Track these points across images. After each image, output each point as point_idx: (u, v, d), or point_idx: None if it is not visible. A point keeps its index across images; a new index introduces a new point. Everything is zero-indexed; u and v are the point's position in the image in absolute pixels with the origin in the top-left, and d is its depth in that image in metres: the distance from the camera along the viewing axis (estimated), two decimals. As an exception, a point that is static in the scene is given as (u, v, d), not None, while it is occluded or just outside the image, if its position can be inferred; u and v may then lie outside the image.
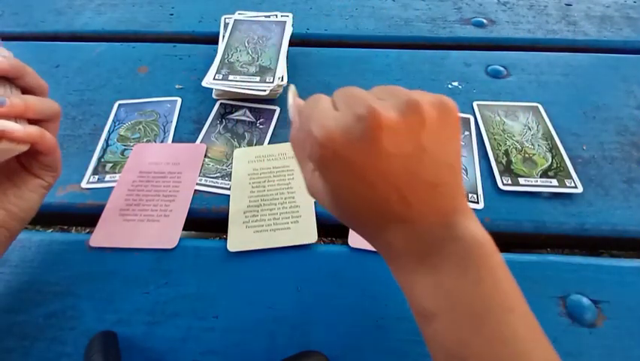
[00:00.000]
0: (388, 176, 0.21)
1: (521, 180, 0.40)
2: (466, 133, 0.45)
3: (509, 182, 0.40)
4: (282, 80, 0.47)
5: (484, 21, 0.60)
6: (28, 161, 0.30)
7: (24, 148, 0.29)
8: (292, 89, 0.28)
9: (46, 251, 0.36)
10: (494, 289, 0.21)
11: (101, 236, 0.37)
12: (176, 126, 0.46)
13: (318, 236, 0.36)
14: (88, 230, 0.46)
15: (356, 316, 0.32)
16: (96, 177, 0.41)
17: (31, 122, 0.29)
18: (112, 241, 0.37)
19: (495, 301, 0.21)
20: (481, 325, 0.20)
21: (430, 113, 0.21)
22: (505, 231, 0.37)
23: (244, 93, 0.46)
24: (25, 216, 0.30)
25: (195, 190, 0.40)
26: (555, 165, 0.41)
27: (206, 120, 0.47)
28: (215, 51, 0.51)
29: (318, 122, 0.22)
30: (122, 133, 0.46)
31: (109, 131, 0.46)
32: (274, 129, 0.46)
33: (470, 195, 0.39)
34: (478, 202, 0.39)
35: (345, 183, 0.22)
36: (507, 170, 0.41)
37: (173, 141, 0.45)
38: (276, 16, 0.56)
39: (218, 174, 0.42)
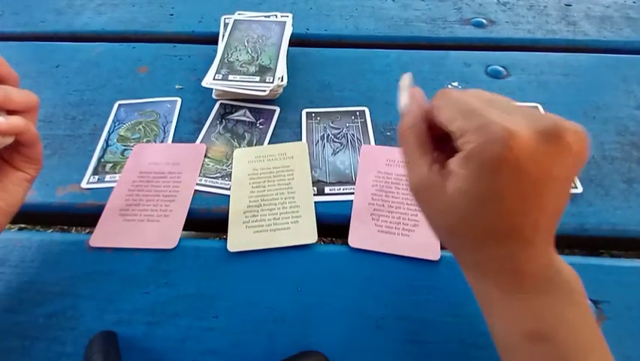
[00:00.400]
0: (541, 195, 0.21)
1: (521, 180, 0.40)
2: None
3: (509, 182, 0.40)
4: (282, 80, 0.47)
5: (484, 21, 0.60)
6: (9, 154, 0.30)
7: (9, 140, 0.28)
8: (409, 75, 0.26)
9: (46, 251, 0.36)
10: (592, 322, 0.23)
11: (101, 236, 0.37)
12: (176, 126, 0.46)
13: (318, 236, 0.36)
14: (88, 230, 0.46)
15: (356, 316, 0.32)
16: (96, 177, 0.41)
17: (10, 113, 0.29)
18: (112, 241, 0.37)
19: (595, 335, 0.22)
20: (590, 354, 0.22)
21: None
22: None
23: (244, 93, 0.46)
24: (10, 210, 0.30)
25: (195, 190, 0.40)
26: (555, 165, 0.41)
27: (206, 120, 0.47)
28: (215, 51, 0.51)
29: (501, 122, 0.20)
30: (122, 133, 0.46)
31: (109, 131, 0.46)
32: (274, 129, 0.46)
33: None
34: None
35: (499, 190, 0.21)
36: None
37: (173, 141, 0.45)
38: (276, 16, 0.56)
39: (218, 174, 0.42)
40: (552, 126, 0.20)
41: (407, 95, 0.26)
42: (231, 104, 0.48)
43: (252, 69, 0.48)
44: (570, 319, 0.22)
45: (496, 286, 0.23)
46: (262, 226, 0.37)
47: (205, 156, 0.43)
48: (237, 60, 0.49)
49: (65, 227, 0.83)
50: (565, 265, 0.23)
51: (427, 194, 0.24)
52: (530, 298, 0.22)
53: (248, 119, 0.47)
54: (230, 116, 0.47)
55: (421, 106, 0.26)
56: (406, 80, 0.27)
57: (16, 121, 0.28)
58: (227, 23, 0.54)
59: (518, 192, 0.21)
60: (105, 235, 0.37)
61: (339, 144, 0.44)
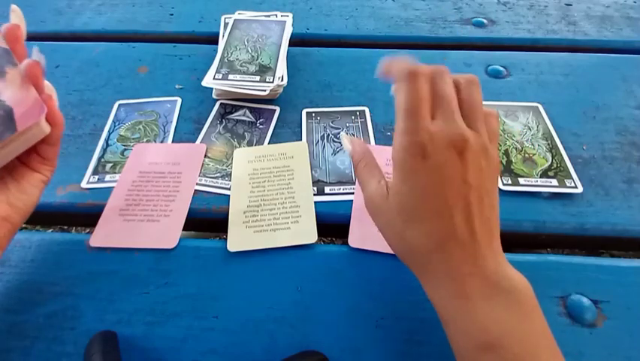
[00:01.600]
0: (462, 200, 0.24)
1: (521, 180, 0.40)
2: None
3: (509, 182, 0.40)
4: (282, 79, 0.47)
5: (484, 21, 0.60)
6: (27, 156, 0.31)
7: (48, 130, 0.29)
8: (343, 133, 0.32)
9: (46, 251, 0.36)
10: (542, 328, 0.23)
11: (101, 236, 0.37)
12: (176, 126, 0.46)
13: (318, 236, 0.36)
14: (88, 230, 0.46)
15: (356, 316, 0.32)
16: (96, 177, 0.41)
17: None
18: (112, 241, 0.37)
19: (544, 341, 0.23)
20: (537, 358, 0.22)
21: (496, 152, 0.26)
22: (505, 231, 0.37)
23: (244, 93, 0.46)
24: (26, 209, 0.31)
25: (195, 190, 0.40)
26: (555, 165, 0.41)
27: (206, 120, 0.47)
28: (216, 51, 0.51)
29: (422, 128, 0.24)
30: (122, 133, 0.46)
31: (109, 131, 0.46)
32: (274, 129, 0.46)
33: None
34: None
35: (425, 185, 0.24)
36: (507, 170, 0.41)
37: (173, 141, 0.45)
38: (276, 15, 0.56)
39: (218, 174, 0.42)
40: (457, 137, 0.24)
41: (348, 143, 0.32)
42: (231, 104, 0.48)
43: (252, 68, 0.48)
44: (516, 326, 0.23)
45: (445, 293, 0.25)
46: (262, 225, 0.37)
47: (205, 155, 0.43)
48: (237, 59, 0.49)
49: (65, 227, 0.83)
50: (514, 271, 0.24)
51: (375, 205, 0.27)
52: (475, 307, 0.23)
53: (248, 119, 0.47)
54: (230, 116, 0.47)
55: (361, 143, 0.31)
56: (343, 136, 0.33)
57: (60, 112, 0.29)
58: (228, 23, 0.54)
59: (438, 194, 0.24)
60: (105, 235, 0.37)
61: (339, 144, 0.44)
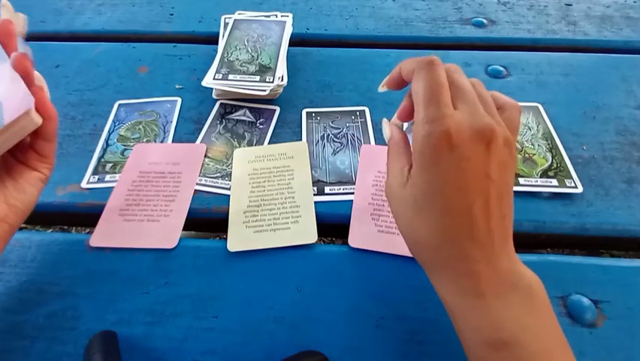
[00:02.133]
0: (486, 184, 0.23)
1: (521, 180, 0.40)
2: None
3: (509, 182, 0.40)
4: (282, 79, 0.47)
5: (484, 21, 0.60)
6: (24, 154, 0.31)
7: (39, 122, 0.29)
8: (384, 120, 0.31)
9: (46, 251, 0.36)
10: (555, 325, 0.23)
11: (101, 236, 0.37)
12: (176, 126, 0.46)
13: (318, 236, 0.36)
14: (88, 230, 0.46)
15: (356, 316, 0.32)
16: (96, 177, 0.41)
17: None
18: (112, 241, 0.37)
19: (558, 339, 0.23)
20: (549, 356, 0.22)
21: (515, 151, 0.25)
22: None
23: (244, 93, 0.46)
24: (25, 210, 0.30)
25: (195, 190, 0.40)
26: (555, 165, 0.41)
27: (206, 120, 0.47)
28: (215, 51, 0.51)
29: (447, 117, 0.23)
30: (122, 133, 0.46)
31: (109, 131, 0.46)
32: (274, 129, 0.46)
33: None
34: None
35: (445, 178, 0.23)
36: (507, 170, 0.41)
37: (173, 141, 0.45)
38: (276, 15, 0.56)
39: (218, 174, 0.42)
40: (484, 128, 0.23)
41: (388, 130, 0.30)
42: (231, 104, 0.48)
43: (252, 68, 0.48)
44: (530, 324, 0.22)
45: (456, 290, 0.24)
46: (262, 225, 0.37)
47: (205, 155, 0.43)
48: (237, 59, 0.49)
49: (65, 227, 0.83)
50: (525, 268, 0.24)
51: (392, 192, 0.27)
52: (490, 305, 0.23)
53: (248, 119, 0.47)
54: (230, 116, 0.47)
55: (400, 131, 0.29)
56: (384, 122, 0.31)
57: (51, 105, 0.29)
58: (228, 23, 0.54)
59: (459, 188, 0.23)
60: (105, 235, 0.37)
61: (339, 144, 0.44)
